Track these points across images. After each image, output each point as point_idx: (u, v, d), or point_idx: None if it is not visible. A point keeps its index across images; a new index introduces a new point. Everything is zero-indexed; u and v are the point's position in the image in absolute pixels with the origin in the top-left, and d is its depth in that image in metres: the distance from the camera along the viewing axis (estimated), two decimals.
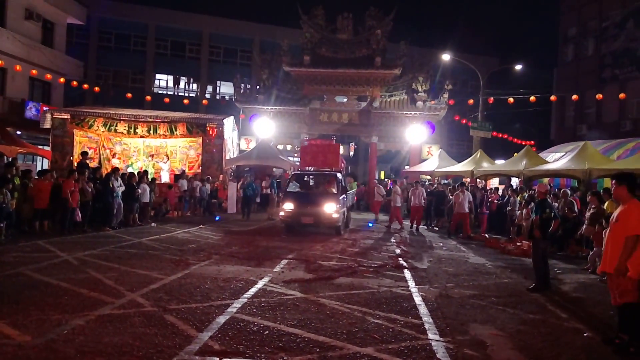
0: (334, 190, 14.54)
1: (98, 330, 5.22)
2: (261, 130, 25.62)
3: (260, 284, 7.68)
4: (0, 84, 23.29)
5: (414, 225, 17.23)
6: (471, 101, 27.18)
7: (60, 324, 5.37)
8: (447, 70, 28.80)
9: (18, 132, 22.14)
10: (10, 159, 17.56)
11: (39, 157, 23.20)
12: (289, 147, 28.00)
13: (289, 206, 13.90)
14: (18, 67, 22.33)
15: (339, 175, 15.30)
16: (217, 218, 17.78)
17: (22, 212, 12.11)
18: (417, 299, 7.12)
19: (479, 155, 21.56)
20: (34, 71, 23.49)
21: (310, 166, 16.00)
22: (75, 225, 12.79)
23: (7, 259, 8.75)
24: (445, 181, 23.18)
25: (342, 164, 17.77)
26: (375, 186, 25.28)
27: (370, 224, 18.34)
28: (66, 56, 27.76)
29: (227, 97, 36.39)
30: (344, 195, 14.87)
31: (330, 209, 13.57)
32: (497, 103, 27.35)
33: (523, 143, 31.72)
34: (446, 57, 27.22)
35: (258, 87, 28.06)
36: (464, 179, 21.16)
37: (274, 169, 24.16)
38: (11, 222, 11.37)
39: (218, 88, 41.68)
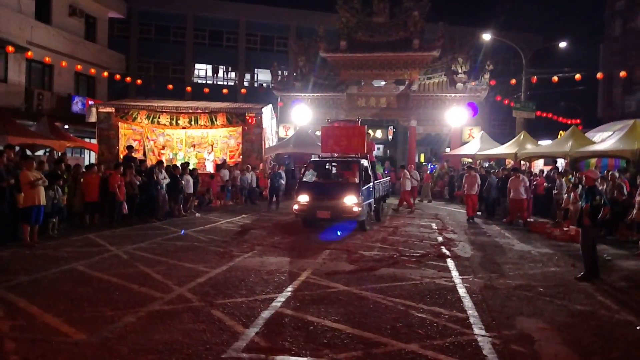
0: (356, 180, 12.83)
1: (149, 327, 5.39)
2: (299, 118, 25.67)
3: (303, 276, 7.76)
4: (48, 80, 24.18)
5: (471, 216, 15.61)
6: (514, 81, 26.37)
7: (113, 321, 5.57)
8: (488, 50, 27.95)
9: (66, 127, 22.94)
10: (59, 154, 18.28)
11: (86, 151, 24.00)
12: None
13: (303, 198, 12.46)
14: (64, 63, 23.07)
15: (363, 161, 13.45)
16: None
17: (73, 206, 12.58)
18: (461, 291, 7.04)
19: (522, 136, 20.98)
20: (79, 66, 24.23)
21: (333, 152, 14.48)
22: (123, 218, 13.22)
23: (61, 254, 9.12)
24: (487, 164, 22.66)
25: (372, 149, 16.00)
26: (403, 171, 24.90)
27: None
28: (109, 50, 28.50)
29: (264, 85, 36.62)
30: (370, 185, 13.40)
31: (350, 201, 12.04)
32: (541, 81, 26.44)
33: (568, 122, 30.64)
34: (487, 36, 26.44)
35: (295, 74, 28.08)
36: (506, 162, 20.68)
37: (312, 156, 24.15)
38: (63, 216, 11.85)
39: (256, 76, 41.99)
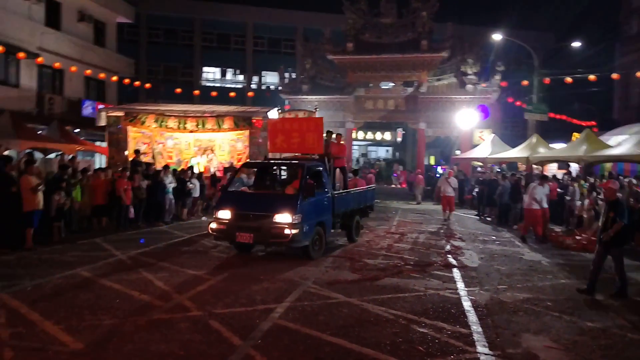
0: (293, 191, 9.61)
1: (146, 337, 5.35)
2: None
3: (305, 285, 7.67)
4: (58, 84, 24.37)
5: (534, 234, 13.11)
6: (525, 82, 26.04)
7: (111, 330, 5.55)
8: (499, 50, 27.70)
9: (76, 130, 23.08)
10: (70, 157, 18.39)
11: (96, 154, 24.13)
12: (333, 137, 27.80)
13: (223, 214, 9.53)
14: (73, 68, 23.21)
15: (313, 165, 10.26)
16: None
17: (81, 210, 12.62)
18: (466, 304, 6.87)
19: (535, 139, 20.65)
20: (88, 71, 24.37)
21: (282, 151, 11.91)
22: (130, 222, 13.23)
23: (66, 259, 9.15)
24: (498, 168, 22.40)
25: (342, 151, 12.54)
26: (420, 174, 24.51)
27: None
28: (118, 55, 28.64)
29: (272, 87, 36.58)
30: (324, 197, 10.14)
31: (282, 219, 9.00)
32: (554, 82, 26.06)
33: (583, 124, 30.17)
34: (497, 36, 26.14)
35: (302, 76, 28.01)
36: (518, 165, 20.39)
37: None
38: (69, 220, 11.88)
39: (263, 78, 42.08)
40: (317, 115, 12.16)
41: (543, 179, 13.57)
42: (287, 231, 8.95)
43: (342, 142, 12.96)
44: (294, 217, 9.00)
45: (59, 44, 23.31)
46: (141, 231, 12.78)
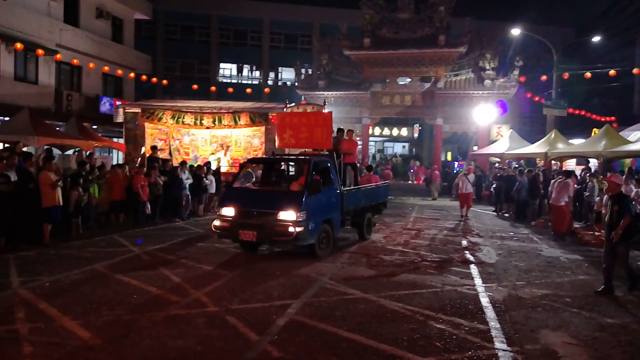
0: (299, 187, 9.30)
1: (163, 333, 5.37)
2: None
3: (321, 281, 7.64)
4: (76, 81, 24.67)
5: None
6: (544, 77, 25.66)
7: (128, 325, 5.58)
8: (517, 45, 27.32)
9: (94, 127, 23.33)
10: (87, 153, 18.60)
11: (114, 150, 24.38)
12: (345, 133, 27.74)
13: (227, 211, 9.37)
14: (91, 65, 23.48)
15: (321, 161, 10.00)
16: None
17: (99, 206, 12.75)
18: (484, 300, 6.79)
19: (553, 135, 20.33)
20: (106, 67, 24.61)
21: (290, 146, 11.57)
22: (147, 218, 13.33)
23: (84, 254, 9.24)
24: (516, 164, 22.12)
25: (352, 146, 12.06)
26: (436, 170, 24.34)
27: None
28: (135, 51, 28.89)
29: (288, 84, 36.59)
30: (333, 194, 9.87)
31: (286, 216, 8.76)
32: (573, 77, 25.65)
33: (602, 119, 29.67)
34: (516, 31, 25.78)
35: (318, 72, 27.95)
36: (537, 161, 20.14)
37: None
38: (87, 216, 12.01)
39: (280, 74, 42.09)
40: (327, 109, 11.70)
41: (569, 174, 13.29)
42: (291, 229, 8.64)
43: (353, 139, 12.67)
44: (298, 214, 8.72)
45: (77, 41, 23.60)
46: (158, 227, 12.87)
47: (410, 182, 30.04)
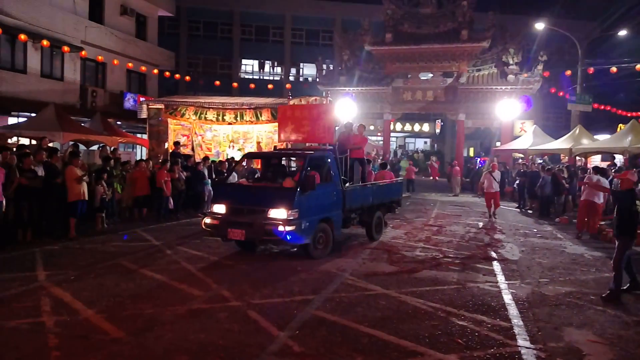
0: (292, 183, 8.80)
1: (186, 326, 5.43)
2: (343, 112, 25.43)
3: (341, 277, 7.65)
4: (101, 77, 25.06)
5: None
6: (569, 72, 25.16)
7: (151, 319, 5.66)
8: (542, 39, 26.81)
9: (118, 123, 23.69)
10: (111, 149, 18.91)
11: (138, 146, 24.71)
12: (371, 128, 27.68)
13: (218, 208, 9.02)
14: (116, 61, 23.81)
15: (319, 155, 9.46)
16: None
17: (122, 201, 12.96)
18: (507, 297, 6.72)
19: (578, 130, 20.01)
20: (130, 64, 24.98)
21: (292, 141, 11.07)
22: (170, 213, 13.50)
23: (108, 249, 9.40)
24: (540, 160, 21.78)
25: (359, 140, 11.30)
26: (457, 165, 24.00)
27: None
28: (159, 48, 29.21)
29: (309, 79, 36.58)
30: (333, 190, 9.29)
31: (277, 214, 8.29)
32: (598, 72, 25.12)
33: (629, 115, 28.96)
34: (540, 25, 25.30)
35: (340, 68, 27.88)
36: (561, 157, 19.80)
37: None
38: (111, 211, 12.22)
39: (301, 70, 42.13)
40: (327, 100, 10.74)
41: (600, 170, 12.62)
42: (281, 228, 8.13)
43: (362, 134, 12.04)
44: (289, 212, 8.21)
45: (101, 38, 23.96)
46: (180, 222, 13.00)
47: (431, 178, 29.79)
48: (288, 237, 8.19)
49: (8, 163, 9.40)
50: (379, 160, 23.25)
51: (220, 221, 8.76)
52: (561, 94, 27.29)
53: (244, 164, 12.20)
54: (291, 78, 40.43)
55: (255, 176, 10.81)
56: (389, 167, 23.22)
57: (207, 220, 9.00)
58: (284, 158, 11.01)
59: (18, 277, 7.22)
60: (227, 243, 9.55)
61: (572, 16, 34.59)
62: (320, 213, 8.89)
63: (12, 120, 18.87)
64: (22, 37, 18.72)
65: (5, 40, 19.30)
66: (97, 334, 5.18)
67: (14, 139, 16.15)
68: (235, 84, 31.88)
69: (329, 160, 9.45)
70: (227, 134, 22.05)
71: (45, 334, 5.15)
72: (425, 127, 36.33)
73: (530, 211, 16.98)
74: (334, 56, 33.84)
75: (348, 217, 9.89)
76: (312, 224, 8.59)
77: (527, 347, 5.02)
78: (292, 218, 8.21)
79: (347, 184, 9.95)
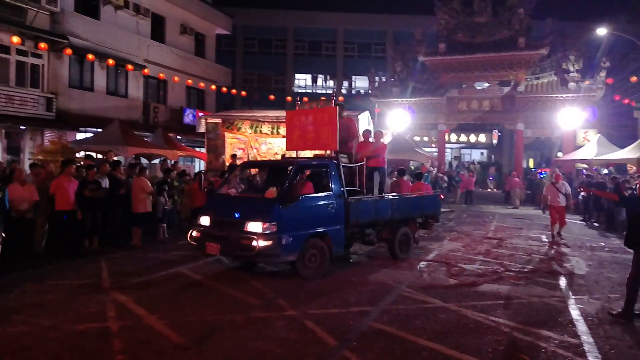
0: (274, 194, 8.04)
1: (244, 334, 5.48)
2: (396, 123, 25.26)
3: (398, 289, 7.52)
4: (162, 94, 26.12)
5: None
6: (634, 78, 23.91)
7: (211, 325, 5.74)
8: (604, 45, 25.69)
9: (178, 137, 24.53)
10: (172, 162, 19.59)
11: (196, 159, 25.48)
12: (425, 139, 27.34)
13: (204, 220, 8.43)
14: (176, 78, 24.77)
15: (313, 165, 8.87)
16: None
17: (181, 212, 13.34)
18: (574, 313, 6.39)
19: None
20: (189, 81, 25.92)
21: (299, 149, 10.09)
22: None
23: (169, 257, 9.68)
24: (606, 171, 20.75)
25: (376, 148, 9.95)
26: (516, 177, 23.26)
27: None
28: (216, 64, 30.19)
29: (362, 92, 36.61)
30: (331, 203, 8.32)
31: (253, 228, 7.56)
32: None
33: None
34: (602, 30, 24.24)
35: (392, 79, 27.76)
36: (628, 167, 18.81)
37: (411, 162, 23.78)
38: (172, 221, 12.60)
39: (353, 83, 42.36)
40: (333, 102, 9.46)
41: None
42: (254, 242, 7.35)
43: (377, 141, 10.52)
44: (265, 225, 7.43)
45: (163, 56, 25.02)
46: None
47: (489, 189, 28.96)
48: (274, 255, 7.52)
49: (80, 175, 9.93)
50: (434, 172, 22.87)
51: (201, 234, 8.27)
52: (626, 101, 25.98)
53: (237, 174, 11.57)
54: (343, 91, 40.65)
55: (243, 186, 9.83)
56: (447, 178, 22.66)
57: (193, 232, 8.47)
58: (276, 167, 9.88)
59: (85, 284, 7.54)
60: None
61: (636, 21, 32.94)
62: (311, 227, 8.03)
63: (80, 136, 19.92)
64: (90, 56, 19.82)
65: (75, 61, 20.49)
66: (159, 340, 5.30)
67: (82, 153, 17.03)
68: (288, 98, 32.37)
69: (327, 168, 8.57)
70: (281, 147, 22.30)
71: (110, 338, 5.32)
72: (482, 138, 35.41)
73: (596, 224, 16.14)
74: (386, 68, 33.80)
75: (354, 232, 8.92)
76: (299, 239, 7.74)
77: None
78: (268, 232, 7.43)
79: (359, 196, 9.02)
